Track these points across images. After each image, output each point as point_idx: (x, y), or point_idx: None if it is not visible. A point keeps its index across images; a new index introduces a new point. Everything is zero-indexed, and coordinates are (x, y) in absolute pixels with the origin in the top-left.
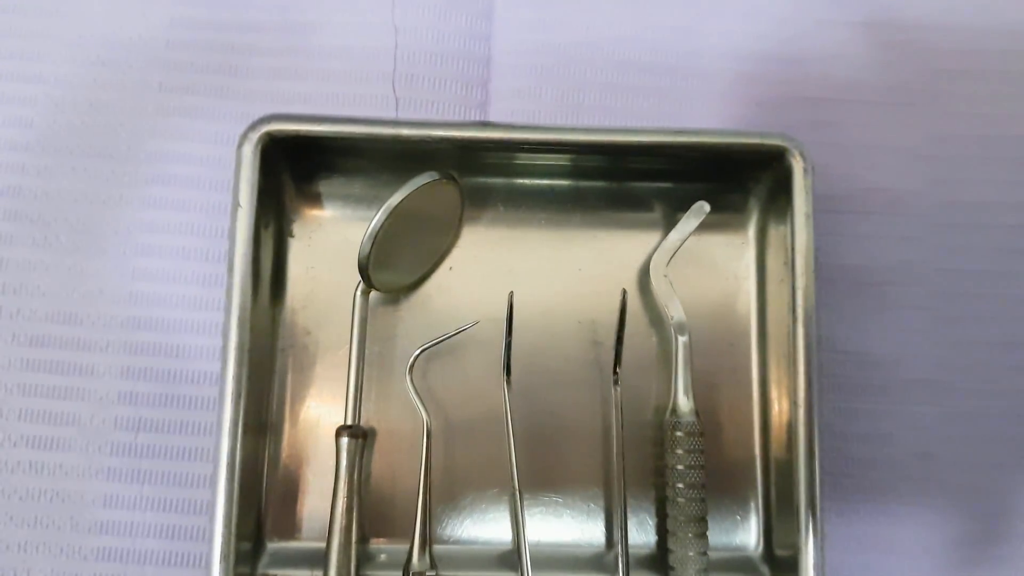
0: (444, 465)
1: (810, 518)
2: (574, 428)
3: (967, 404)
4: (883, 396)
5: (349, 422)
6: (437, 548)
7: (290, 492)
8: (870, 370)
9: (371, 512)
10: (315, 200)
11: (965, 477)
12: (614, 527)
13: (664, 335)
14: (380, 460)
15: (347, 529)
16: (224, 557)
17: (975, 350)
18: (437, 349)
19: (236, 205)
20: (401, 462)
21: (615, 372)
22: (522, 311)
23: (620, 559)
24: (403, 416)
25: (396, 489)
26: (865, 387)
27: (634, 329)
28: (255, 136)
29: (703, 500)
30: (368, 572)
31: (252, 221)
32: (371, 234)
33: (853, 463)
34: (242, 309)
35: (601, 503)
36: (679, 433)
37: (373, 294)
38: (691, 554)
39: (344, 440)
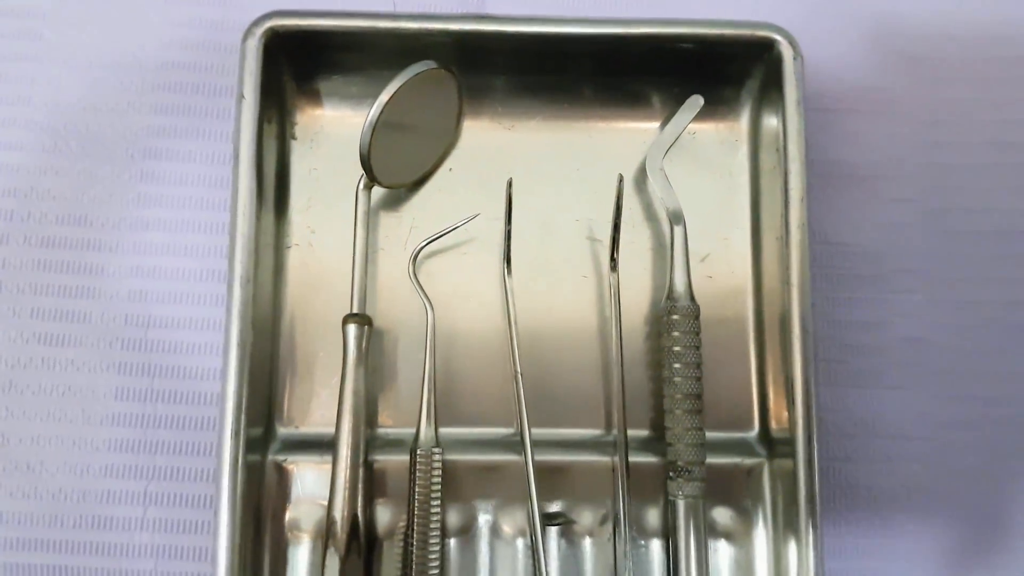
0: (447, 355)
1: (805, 399)
2: (572, 321)
3: (956, 292)
4: (873, 285)
5: (355, 310)
6: (441, 433)
7: (299, 381)
8: (861, 260)
9: (378, 401)
10: (316, 100)
11: (955, 361)
12: (613, 410)
13: (660, 231)
14: (385, 353)
15: (356, 414)
16: (235, 434)
17: (963, 241)
18: (439, 246)
19: (240, 97)
20: (406, 354)
21: (612, 259)
22: (520, 210)
23: (619, 440)
24: (407, 310)
25: (401, 379)
26: (856, 277)
27: (631, 225)
28: (259, 31)
29: (699, 379)
30: (376, 455)
31: (256, 115)
32: (371, 122)
33: (846, 349)
34: (247, 205)
35: (600, 388)
36: (675, 316)
37: (375, 193)
38: (687, 430)
39: (351, 327)
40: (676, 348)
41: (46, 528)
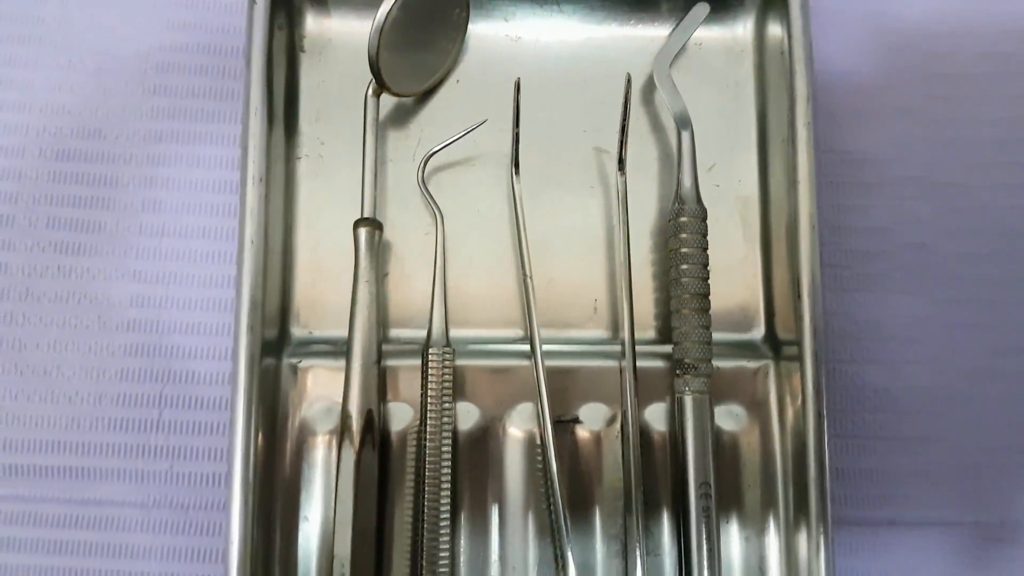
0: (457, 262)
1: (811, 292)
2: (580, 229)
3: (960, 199)
4: (878, 192)
5: (366, 215)
6: (452, 338)
7: (313, 288)
8: (865, 168)
9: (390, 310)
10: (324, 11)
11: (959, 266)
12: (621, 314)
13: (667, 142)
14: (396, 262)
15: (369, 314)
16: (250, 329)
17: (967, 149)
18: (447, 158)
19: (251, 3)
20: (417, 262)
21: (620, 160)
22: (528, 122)
23: (626, 343)
24: (417, 220)
25: (413, 288)
26: (861, 184)
27: (639, 136)
28: None
29: (705, 280)
30: (389, 361)
31: (267, 26)
32: (379, 24)
33: (851, 255)
34: (259, 110)
35: (607, 294)
36: (683, 218)
37: (383, 106)
38: (694, 328)
39: (362, 231)
40: (684, 250)
41: (63, 431)
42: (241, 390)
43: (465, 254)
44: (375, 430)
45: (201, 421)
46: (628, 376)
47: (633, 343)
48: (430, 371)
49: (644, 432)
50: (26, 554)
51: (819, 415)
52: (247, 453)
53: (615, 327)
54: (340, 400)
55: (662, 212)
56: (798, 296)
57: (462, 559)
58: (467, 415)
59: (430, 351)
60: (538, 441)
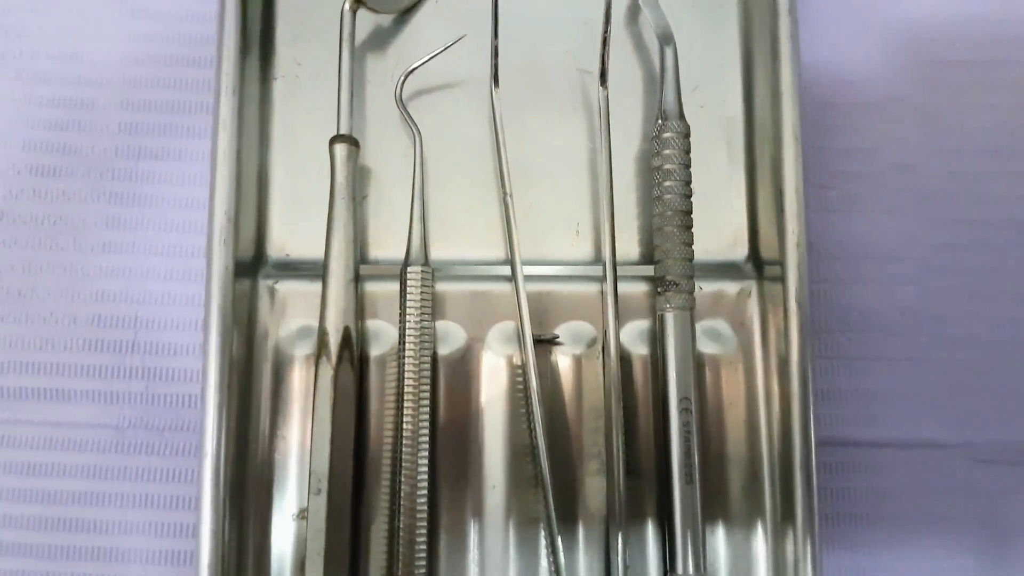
0: (436, 184)
1: (794, 213)
2: (562, 150)
3: (945, 120)
4: (863, 113)
5: (343, 131)
6: (432, 261)
7: (289, 210)
8: (850, 89)
9: (369, 233)
10: None
11: (944, 186)
12: (602, 236)
13: (650, 62)
14: (375, 184)
15: (345, 231)
16: (223, 242)
17: (953, 70)
18: (427, 78)
19: None
20: (395, 185)
21: (601, 74)
22: (509, 42)
23: (607, 259)
24: (396, 143)
25: (391, 210)
26: (846, 105)
27: (622, 58)
28: None
29: (688, 197)
30: (368, 284)
31: None
32: None
33: (836, 175)
34: (232, 37)
35: (589, 217)
36: (667, 134)
37: (361, 27)
38: (676, 245)
39: (338, 148)
40: (667, 166)
41: (37, 352)
42: (215, 305)
43: (445, 177)
44: (353, 348)
45: (176, 342)
46: (609, 293)
47: (614, 259)
48: (408, 290)
49: (625, 354)
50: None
51: (803, 333)
52: (222, 372)
53: (597, 250)
54: (318, 321)
55: (646, 136)
56: (781, 210)
57: (440, 476)
58: (447, 337)
59: (408, 270)
60: (518, 362)
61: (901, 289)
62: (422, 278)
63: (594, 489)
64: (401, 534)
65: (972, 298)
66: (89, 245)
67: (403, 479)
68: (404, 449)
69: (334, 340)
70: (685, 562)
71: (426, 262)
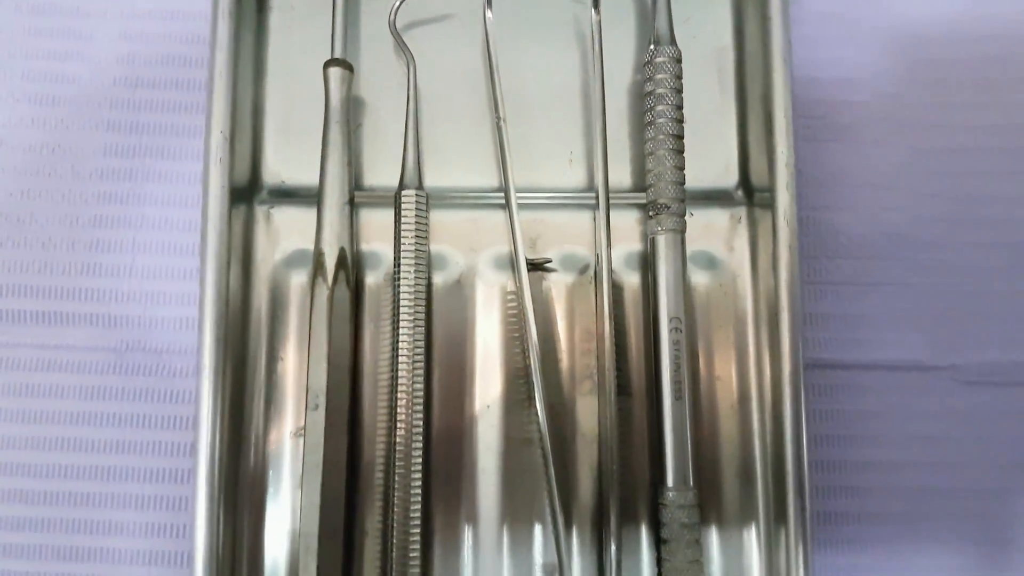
0: (430, 111)
1: (784, 137)
2: (555, 83)
3: (931, 50)
4: (850, 44)
5: (337, 55)
6: (427, 188)
7: (285, 134)
8: (836, 22)
9: (363, 161)
10: None
11: (932, 115)
12: (595, 164)
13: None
14: (369, 112)
15: (340, 156)
16: (219, 161)
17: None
18: (420, 2)
19: None
20: (390, 112)
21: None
22: None
23: (599, 182)
24: (391, 71)
25: (386, 138)
26: (832, 38)
27: None
28: None
29: (680, 121)
30: (363, 212)
31: None
32: None
33: (824, 105)
34: None
35: (582, 146)
36: (659, 59)
37: None
38: (668, 169)
39: (332, 72)
40: (659, 91)
41: (36, 275)
42: (211, 227)
43: (439, 106)
44: (348, 269)
45: (175, 266)
46: (601, 214)
47: (607, 180)
48: (403, 213)
49: (617, 280)
50: None
51: (791, 251)
52: (219, 295)
53: (590, 178)
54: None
55: (637, 67)
56: (771, 132)
57: (436, 398)
58: (441, 263)
59: (403, 193)
60: (512, 288)
61: (888, 216)
62: (416, 201)
63: (586, 409)
64: (398, 449)
65: (959, 225)
66: (87, 172)
67: (399, 398)
68: (400, 370)
69: (330, 261)
70: (675, 476)
71: (420, 186)
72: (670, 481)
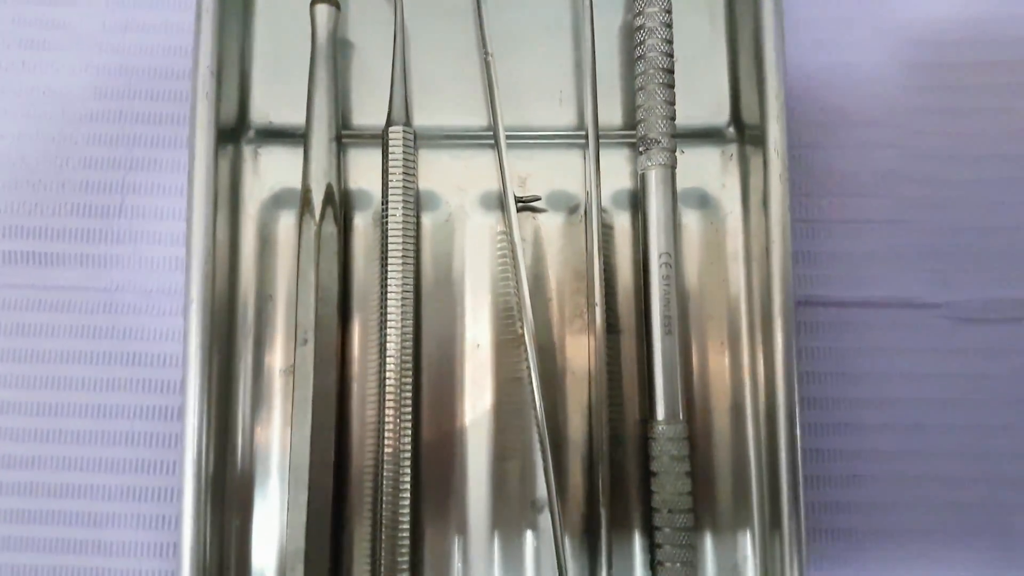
0: (417, 51)
1: (774, 73)
2: (544, 24)
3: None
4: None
5: None
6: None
7: (272, 75)
8: None
9: (351, 101)
10: None
11: (924, 53)
12: (585, 102)
13: None
14: (355, 55)
15: (327, 92)
16: (205, 96)
17: None
18: None
19: None
20: (375, 52)
21: None
22: None
23: (589, 117)
24: (376, 9)
25: (375, 77)
26: None
27: None
28: None
29: (670, 56)
30: (351, 150)
31: None
32: None
33: (816, 44)
34: None
35: (572, 86)
36: None
37: None
38: (658, 103)
39: (318, 9)
40: (649, 24)
41: (26, 216)
42: (198, 163)
43: (426, 44)
44: (336, 205)
45: (163, 206)
46: (591, 149)
47: (596, 116)
48: (391, 150)
49: (607, 219)
50: None
51: (783, 183)
52: (206, 230)
53: (580, 118)
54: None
55: (628, 4)
56: (761, 63)
57: (425, 336)
58: (430, 203)
59: (390, 130)
60: (501, 228)
61: (881, 153)
62: (404, 137)
63: (577, 347)
64: (388, 385)
65: (952, 161)
66: (77, 114)
67: (388, 335)
68: (389, 307)
69: (317, 197)
70: (665, 410)
71: (408, 123)
72: (660, 415)
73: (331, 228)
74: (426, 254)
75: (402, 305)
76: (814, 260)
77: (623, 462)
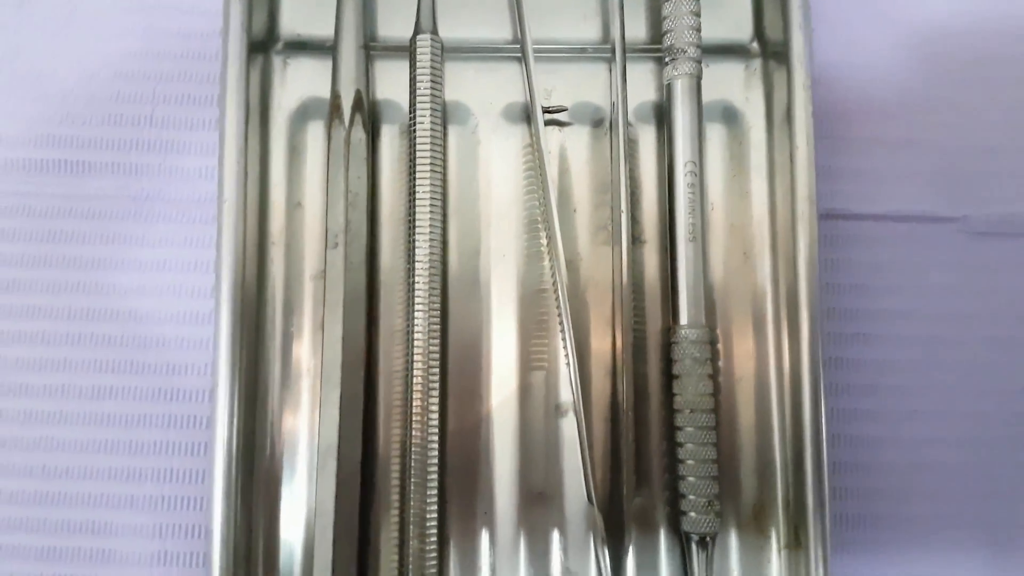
0: None
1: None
2: None
3: None
4: None
5: None
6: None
7: None
8: None
9: (378, 18)
10: None
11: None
12: (611, 18)
13: None
14: None
15: (356, 4)
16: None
17: None
18: None
19: None
20: None
21: None
22: None
23: (616, 39)
24: None
25: None
26: None
27: None
28: None
29: None
30: (378, 62)
31: None
32: None
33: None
34: None
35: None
36: None
37: None
38: (684, 14)
39: None
40: None
41: (57, 126)
42: (231, 71)
43: None
44: (364, 111)
45: (194, 117)
46: (619, 52)
47: (622, 23)
48: (419, 59)
49: (632, 133)
50: (19, 244)
51: (806, 96)
52: (238, 139)
53: (606, 31)
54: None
55: None
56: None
57: (452, 248)
58: (456, 115)
59: (418, 38)
60: (527, 141)
61: (901, 73)
62: (432, 46)
63: (601, 258)
64: (416, 292)
65: (968, 84)
66: (108, 32)
67: (417, 241)
68: (418, 216)
69: (346, 103)
70: (688, 314)
71: (435, 32)
72: (683, 319)
73: (360, 134)
74: (453, 167)
75: (431, 213)
76: (832, 175)
77: (646, 372)
